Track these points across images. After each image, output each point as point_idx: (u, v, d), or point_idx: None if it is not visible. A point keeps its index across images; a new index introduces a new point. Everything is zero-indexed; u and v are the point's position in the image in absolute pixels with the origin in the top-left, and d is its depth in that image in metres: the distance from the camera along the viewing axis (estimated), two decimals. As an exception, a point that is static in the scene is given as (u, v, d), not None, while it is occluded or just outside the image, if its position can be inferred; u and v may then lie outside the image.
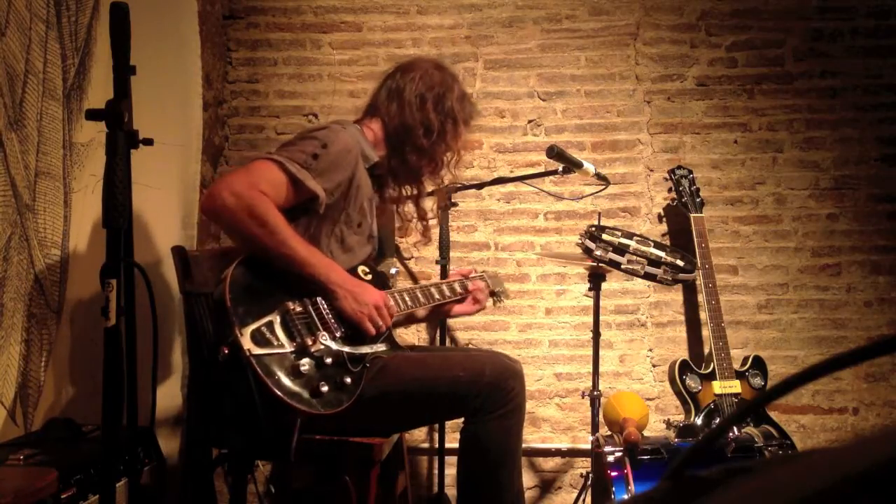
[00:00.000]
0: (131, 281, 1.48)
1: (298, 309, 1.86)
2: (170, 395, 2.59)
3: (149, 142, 1.50)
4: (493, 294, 2.48)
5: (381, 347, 2.01)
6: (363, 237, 2.12)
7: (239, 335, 1.73)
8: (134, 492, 1.68)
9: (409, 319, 2.38)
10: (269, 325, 1.80)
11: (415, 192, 2.28)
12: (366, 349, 1.96)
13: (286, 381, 1.76)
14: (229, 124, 3.22)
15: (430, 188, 2.55)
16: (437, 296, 2.23)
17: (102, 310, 1.42)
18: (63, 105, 2.04)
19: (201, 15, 2.94)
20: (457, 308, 2.31)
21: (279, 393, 1.72)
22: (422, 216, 2.33)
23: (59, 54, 2.02)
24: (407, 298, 2.13)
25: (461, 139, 2.23)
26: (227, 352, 1.72)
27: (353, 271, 2.05)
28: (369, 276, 2.10)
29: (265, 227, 1.82)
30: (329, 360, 1.85)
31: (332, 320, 1.91)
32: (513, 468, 2.03)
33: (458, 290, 2.29)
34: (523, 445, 2.12)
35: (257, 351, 1.73)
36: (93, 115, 1.45)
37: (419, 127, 2.12)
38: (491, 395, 1.96)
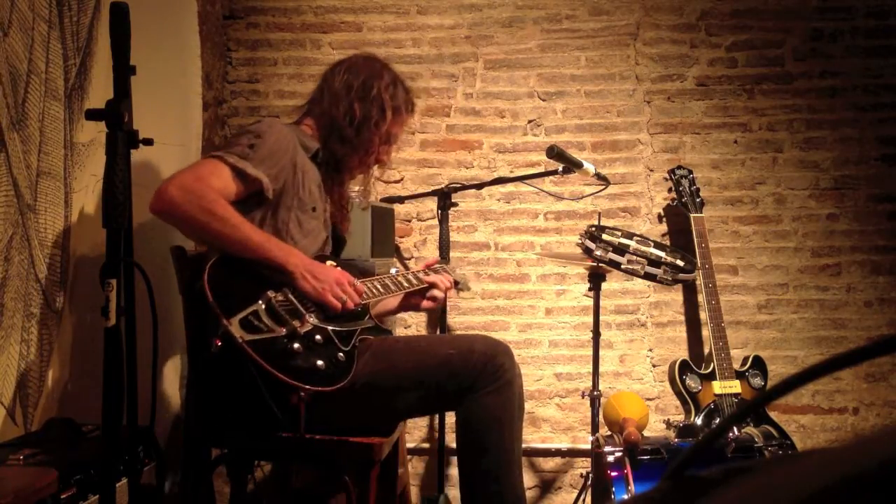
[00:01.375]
0: (131, 281, 1.48)
1: (280, 297, 1.88)
2: (170, 395, 2.59)
3: (149, 142, 1.50)
4: (455, 283, 2.48)
5: (368, 324, 2.03)
6: (319, 221, 2.13)
7: (228, 325, 1.73)
8: (134, 492, 1.68)
9: (386, 312, 2.37)
10: (255, 313, 1.81)
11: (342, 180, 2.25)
12: (353, 326, 1.98)
13: (283, 361, 1.77)
14: (229, 124, 3.22)
15: (431, 188, 2.55)
16: (405, 284, 2.22)
17: (102, 310, 1.42)
18: (64, 105, 2.04)
19: (201, 15, 2.94)
20: (424, 302, 2.29)
21: (279, 373, 1.73)
22: (343, 205, 2.28)
23: (60, 54, 2.02)
24: (379, 286, 2.14)
25: (391, 126, 2.17)
26: (219, 343, 1.72)
27: (320, 262, 2.06)
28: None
29: (215, 216, 1.83)
30: (319, 339, 1.87)
31: (312, 305, 1.93)
32: (511, 462, 2.00)
33: (424, 279, 2.27)
34: (523, 445, 2.11)
35: (249, 337, 1.75)
36: (93, 115, 1.45)
37: (343, 117, 2.11)
38: (482, 371, 1.97)
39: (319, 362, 1.82)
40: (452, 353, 2.00)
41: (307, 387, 1.76)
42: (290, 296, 1.90)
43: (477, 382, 1.97)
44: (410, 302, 2.31)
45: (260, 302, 1.83)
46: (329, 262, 2.09)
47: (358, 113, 2.11)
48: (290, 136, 2.06)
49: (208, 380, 1.94)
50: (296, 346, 1.81)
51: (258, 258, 1.88)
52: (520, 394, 2.05)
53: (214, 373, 1.88)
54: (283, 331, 1.82)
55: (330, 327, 1.92)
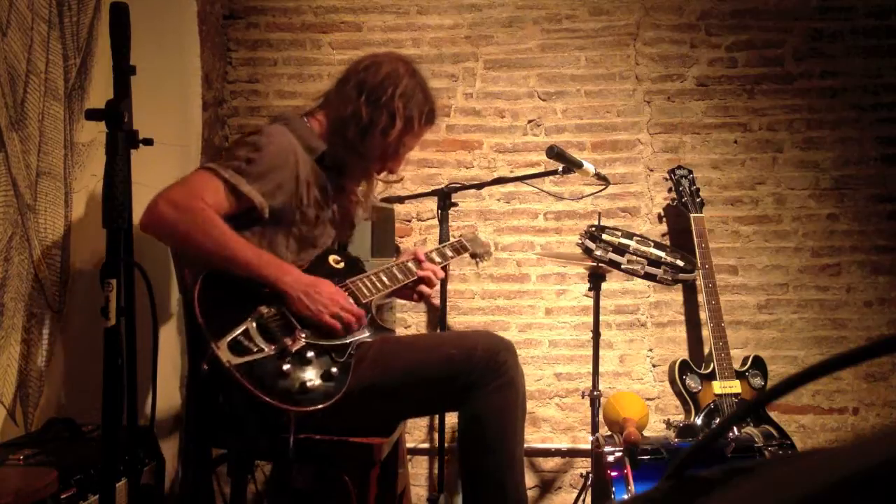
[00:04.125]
0: (131, 281, 1.48)
1: (272, 312, 1.82)
2: (170, 395, 2.59)
3: (149, 142, 1.50)
4: (473, 255, 2.40)
5: (364, 334, 1.96)
6: (323, 226, 2.06)
7: (216, 348, 1.69)
8: (134, 492, 1.68)
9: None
10: (246, 332, 1.76)
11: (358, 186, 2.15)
12: (349, 338, 1.92)
13: (272, 383, 1.73)
14: (229, 124, 3.22)
15: (431, 188, 2.54)
16: (400, 277, 2.11)
17: (102, 310, 1.42)
18: (64, 105, 2.04)
19: (201, 15, 2.94)
20: (413, 295, 2.15)
21: (267, 398, 1.70)
22: (344, 213, 2.18)
23: (60, 54, 2.02)
24: (377, 283, 2.06)
25: (400, 136, 2.04)
26: (206, 367, 1.70)
27: (324, 260, 2.02)
28: (341, 264, 2.05)
29: (206, 233, 1.78)
30: (312, 355, 1.81)
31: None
32: (513, 460, 1.98)
33: (415, 270, 2.13)
34: (523, 445, 2.11)
35: (237, 361, 1.70)
36: (92, 114, 1.45)
37: (350, 119, 2.01)
38: (485, 369, 1.93)
39: (310, 382, 1.77)
40: (454, 353, 1.96)
41: (295, 409, 1.73)
42: (284, 309, 1.84)
43: (480, 380, 1.93)
44: (403, 293, 2.20)
45: (250, 319, 1.78)
46: (332, 257, 2.03)
47: (365, 117, 2.00)
48: (291, 146, 1.97)
49: (205, 390, 1.93)
50: (286, 366, 1.76)
51: (251, 277, 1.82)
52: (522, 392, 2.01)
53: (211, 386, 1.87)
54: (273, 349, 1.77)
55: (322, 341, 1.86)
